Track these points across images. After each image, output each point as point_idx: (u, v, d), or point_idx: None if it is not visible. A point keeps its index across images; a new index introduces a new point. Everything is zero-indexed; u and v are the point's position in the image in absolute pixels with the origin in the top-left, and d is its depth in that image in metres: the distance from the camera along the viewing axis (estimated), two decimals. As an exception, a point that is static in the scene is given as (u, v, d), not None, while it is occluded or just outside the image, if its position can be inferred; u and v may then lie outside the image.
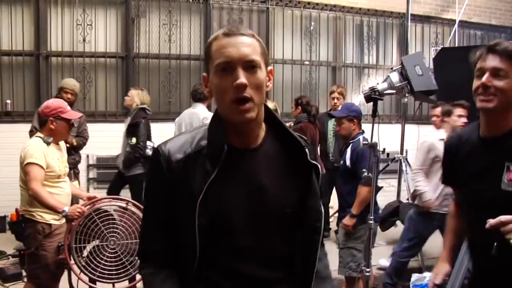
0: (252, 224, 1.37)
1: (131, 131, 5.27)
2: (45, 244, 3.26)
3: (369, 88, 3.43)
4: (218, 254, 1.37)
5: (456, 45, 7.50)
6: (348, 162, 3.90)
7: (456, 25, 7.01)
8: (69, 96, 5.06)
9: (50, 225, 3.29)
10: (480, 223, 1.68)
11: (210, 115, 4.39)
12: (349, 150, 3.92)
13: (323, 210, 1.49)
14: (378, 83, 3.48)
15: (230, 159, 1.35)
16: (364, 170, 3.58)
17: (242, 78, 1.28)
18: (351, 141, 3.96)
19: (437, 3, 8.03)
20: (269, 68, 1.41)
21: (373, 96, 3.32)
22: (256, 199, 1.37)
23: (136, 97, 5.38)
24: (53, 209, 3.19)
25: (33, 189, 3.15)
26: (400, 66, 3.38)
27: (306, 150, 1.44)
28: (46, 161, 3.24)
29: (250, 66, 1.31)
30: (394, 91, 3.38)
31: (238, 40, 1.32)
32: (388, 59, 7.96)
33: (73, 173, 5.11)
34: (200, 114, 4.98)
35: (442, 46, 6.52)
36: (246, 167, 1.39)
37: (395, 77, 3.39)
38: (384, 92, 3.39)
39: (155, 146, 1.52)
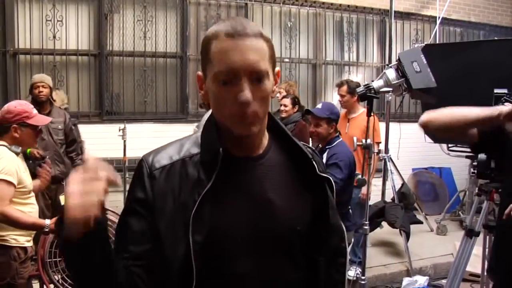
0: (256, 245, 1.15)
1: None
2: (22, 271, 2.82)
3: (364, 85, 3.26)
4: (215, 281, 1.14)
5: (437, 42, 7.44)
6: None
7: (438, 22, 6.93)
8: (41, 89, 4.66)
9: (25, 249, 2.85)
10: None
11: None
12: (325, 156, 3.60)
13: (344, 228, 1.30)
14: (373, 80, 3.31)
15: (229, 168, 1.14)
16: (357, 172, 3.42)
17: (247, 94, 1.08)
18: (327, 147, 3.64)
19: (417, -1, 7.97)
20: (277, 69, 1.20)
21: (368, 95, 3.14)
22: (261, 214, 1.16)
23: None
24: (35, 228, 2.77)
25: (3, 212, 2.63)
26: (396, 62, 3.22)
27: (314, 162, 1.24)
28: (18, 176, 2.77)
29: (256, 77, 1.10)
30: (390, 89, 3.21)
31: (245, 44, 1.09)
32: (369, 56, 7.84)
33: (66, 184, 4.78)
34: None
35: (425, 43, 6.42)
36: (247, 177, 1.19)
37: (391, 74, 3.22)
38: (380, 90, 3.22)
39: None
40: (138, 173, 1.20)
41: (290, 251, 1.21)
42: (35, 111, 2.99)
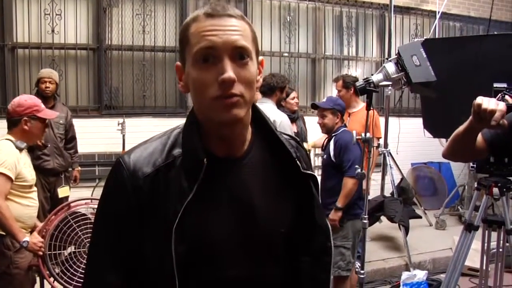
0: (242, 251, 1.12)
1: None
2: (17, 261, 2.85)
3: (364, 79, 3.26)
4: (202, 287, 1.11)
5: (437, 37, 7.43)
6: (332, 155, 3.81)
7: (437, 17, 6.92)
8: (48, 85, 4.70)
9: None
10: None
11: (279, 116, 3.90)
12: (332, 143, 3.83)
13: (329, 226, 1.28)
14: (372, 74, 3.31)
15: (211, 172, 1.08)
16: (356, 166, 3.43)
17: (230, 72, 1.01)
18: (333, 134, 3.87)
19: (417, -7, 7.95)
20: (260, 58, 1.14)
21: (368, 88, 3.13)
22: (245, 220, 1.12)
23: None
24: (12, 235, 2.76)
25: None
26: (396, 56, 3.21)
27: (297, 161, 1.19)
28: (17, 170, 2.82)
29: (239, 56, 1.04)
30: (390, 83, 3.21)
31: (225, 23, 1.04)
32: (368, 51, 7.83)
33: (64, 177, 4.80)
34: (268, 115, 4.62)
35: (425, 38, 6.40)
36: (230, 182, 1.13)
37: (391, 67, 3.22)
38: (380, 83, 3.22)
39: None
40: (116, 179, 1.12)
41: (275, 253, 1.18)
42: (43, 105, 3.13)
